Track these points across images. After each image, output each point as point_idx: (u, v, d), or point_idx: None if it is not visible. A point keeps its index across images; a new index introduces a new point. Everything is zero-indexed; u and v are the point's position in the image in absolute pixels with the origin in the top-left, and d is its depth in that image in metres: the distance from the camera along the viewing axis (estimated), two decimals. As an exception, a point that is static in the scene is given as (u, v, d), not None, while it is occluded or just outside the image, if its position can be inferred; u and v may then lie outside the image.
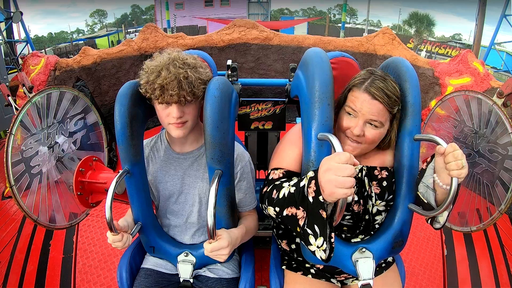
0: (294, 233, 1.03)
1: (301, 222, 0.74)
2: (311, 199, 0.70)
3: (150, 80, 0.87)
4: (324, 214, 0.68)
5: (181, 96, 0.86)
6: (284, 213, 0.78)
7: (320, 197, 0.68)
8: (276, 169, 0.92)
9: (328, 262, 0.73)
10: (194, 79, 0.88)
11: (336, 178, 0.62)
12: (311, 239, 0.72)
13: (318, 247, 0.72)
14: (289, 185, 0.80)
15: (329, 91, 0.84)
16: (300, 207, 0.74)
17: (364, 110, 0.84)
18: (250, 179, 1.07)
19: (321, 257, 0.72)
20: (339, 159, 0.63)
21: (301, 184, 0.75)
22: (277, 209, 0.80)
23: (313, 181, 0.70)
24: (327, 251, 0.71)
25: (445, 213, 0.83)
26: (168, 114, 0.90)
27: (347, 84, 0.91)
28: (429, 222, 0.89)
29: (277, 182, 0.87)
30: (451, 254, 1.97)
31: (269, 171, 0.95)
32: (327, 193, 0.64)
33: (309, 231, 0.72)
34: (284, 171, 0.91)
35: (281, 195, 0.80)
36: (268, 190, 0.86)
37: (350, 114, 0.87)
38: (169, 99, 0.87)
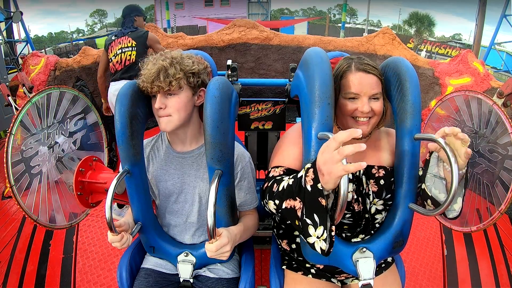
0: (294, 227, 1.02)
1: (299, 213, 0.73)
2: (309, 188, 0.69)
3: (142, 74, 0.94)
4: (323, 202, 0.67)
5: (154, 86, 0.91)
6: (283, 206, 0.78)
7: (319, 185, 0.67)
8: (277, 167, 0.93)
9: (328, 255, 0.72)
10: (174, 71, 0.91)
11: (332, 156, 0.61)
12: (311, 229, 0.71)
13: (318, 237, 0.70)
14: (288, 178, 0.80)
15: (329, 91, 0.84)
16: (297, 198, 0.74)
17: (365, 88, 0.88)
18: (251, 179, 1.07)
19: (321, 248, 0.70)
20: (333, 140, 0.63)
21: (299, 175, 0.75)
22: (277, 202, 0.80)
23: (311, 170, 0.69)
24: (328, 241, 0.70)
25: (459, 200, 0.83)
26: (154, 105, 0.96)
27: (334, 76, 0.92)
28: (442, 214, 0.88)
29: (278, 177, 0.87)
30: (451, 254, 1.97)
31: (269, 170, 0.95)
32: (326, 173, 0.63)
33: (308, 221, 0.71)
34: (285, 169, 0.91)
35: (280, 188, 0.80)
36: (269, 185, 0.86)
37: (352, 98, 0.90)
38: (149, 89, 0.92)
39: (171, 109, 0.94)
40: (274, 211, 0.84)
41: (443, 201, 0.82)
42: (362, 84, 0.88)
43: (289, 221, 0.98)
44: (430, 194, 0.86)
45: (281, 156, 0.95)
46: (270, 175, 0.92)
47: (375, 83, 0.89)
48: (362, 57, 0.94)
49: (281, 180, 0.83)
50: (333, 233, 0.70)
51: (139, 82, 0.94)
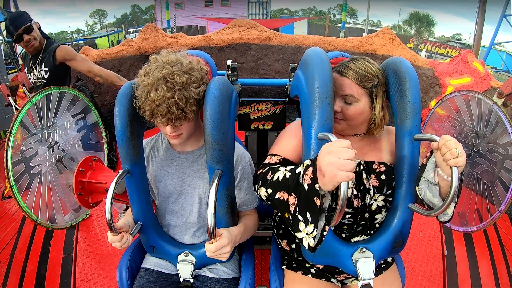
0: (279, 216, 1.03)
1: (291, 208, 0.74)
2: (306, 186, 0.69)
3: (141, 99, 0.85)
4: (318, 202, 0.68)
5: (171, 120, 0.86)
6: (276, 196, 0.78)
7: (316, 185, 0.67)
8: (274, 155, 0.93)
9: (314, 252, 0.72)
10: (184, 102, 0.84)
11: (338, 160, 0.62)
12: (301, 225, 0.71)
13: (307, 234, 0.71)
14: (285, 170, 0.80)
15: (329, 91, 0.84)
16: (292, 194, 0.74)
17: (337, 88, 0.92)
18: (251, 179, 1.07)
19: (308, 244, 0.71)
20: (340, 144, 0.64)
21: (297, 171, 0.75)
22: (270, 190, 0.80)
23: (310, 169, 0.70)
24: (317, 238, 0.70)
25: (452, 205, 0.83)
26: (163, 127, 0.92)
27: None
28: (435, 217, 0.89)
29: (273, 165, 0.87)
30: (451, 254, 1.97)
31: (266, 156, 0.96)
32: (329, 176, 0.63)
33: (300, 217, 0.71)
34: (281, 158, 0.92)
35: (275, 178, 0.80)
36: (263, 171, 0.86)
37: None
38: (160, 123, 0.88)
39: (183, 129, 0.93)
40: (264, 198, 0.84)
41: (436, 204, 0.84)
42: (336, 85, 0.92)
43: (278, 211, 0.98)
44: (421, 197, 0.87)
45: (279, 146, 0.97)
46: (266, 161, 0.92)
47: (346, 85, 0.91)
48: (356, 58, 0.95)
49: (277, 169, 0.82)
50: (325, 233, 0.70)
51: (140, 107, 0.87)
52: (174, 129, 0.90)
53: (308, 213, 0.70)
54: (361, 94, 0.91)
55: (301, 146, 0.91)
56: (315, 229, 0.70)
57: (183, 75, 0.84)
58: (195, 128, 0.98)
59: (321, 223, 0.70)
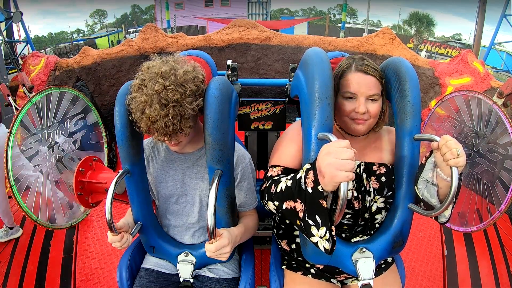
0: (295, 227, 1.03)
1: (300, 215, 0.74)
2: (310, 190, 0.70)
3: (136, 115, 0.84)
4: (324, 204, 0.68)
5: (167, 136, 0.85)
6: (284, 207, 0.78)
7: (319, 187, 0.68)
8: (275, 166, 0.93)
9: (331, 254, 0.73)
10: (180, 119, 0.83)
11: (337, 160, 0.62)
12: (313, 229, 0.72)
13: (321, 237, 0.71)
14: (286, 179, 0.80)
15: (329, 91, 0.84)
16: (298, 200, 0.74)
17: (363, 88, 0.88)
18: (251, 180, 1.07)
19: (324, 247, 0.72)
20: (339, 144, 0.64)
21: (297, 176, 0.75)
22: (276, 203, 0.81)
23: (311, 172, 0.70)
24: (330, 241, 0.71)
25: (450, 206, 0.83)
26: None
27: (334, 74, 0.93)
28: (433, 217, 0.89)
29: (275, 178, 0.87)
30: (451, 254, 1.97)
31: (268, 168, 0.96)
32: (328, 176, 0.64)
33: (310, 222, 0.72)
34: (283, 168, 0.91)
35: (278, 189, 0.80)
36: (267, 185, 0.87)
37: (350, 98, 0.90)
38: (157, 139, 0.88)
39: (182, 139, 0.93)
40: (274, 211, 0.85)
41: (435, 205, 0.84)
42: (360, 84, 0.88)
43: (290, 221, 0.98)
44: (421, 197, 0.87)
45: (279, 154, 0.96)
46: (268, 174, 0.92)
47: (373, 84, 0.89)
48: (363, 57, 0.93)
49: (279, 180, 0.83)
50: (333, 233, 0.71)
51: (136, 122, 0.86)
52: (172, 142, 0.91)
53: (317, 216, 0.71)
54: (380, 90, 0.91)
55: (301, 151, 0.91)
56: (327, 231, 0.70)
57: (177, 90, 0.81)
58: (194, 132, 0.98)
59: (329, 222, 0.70)
